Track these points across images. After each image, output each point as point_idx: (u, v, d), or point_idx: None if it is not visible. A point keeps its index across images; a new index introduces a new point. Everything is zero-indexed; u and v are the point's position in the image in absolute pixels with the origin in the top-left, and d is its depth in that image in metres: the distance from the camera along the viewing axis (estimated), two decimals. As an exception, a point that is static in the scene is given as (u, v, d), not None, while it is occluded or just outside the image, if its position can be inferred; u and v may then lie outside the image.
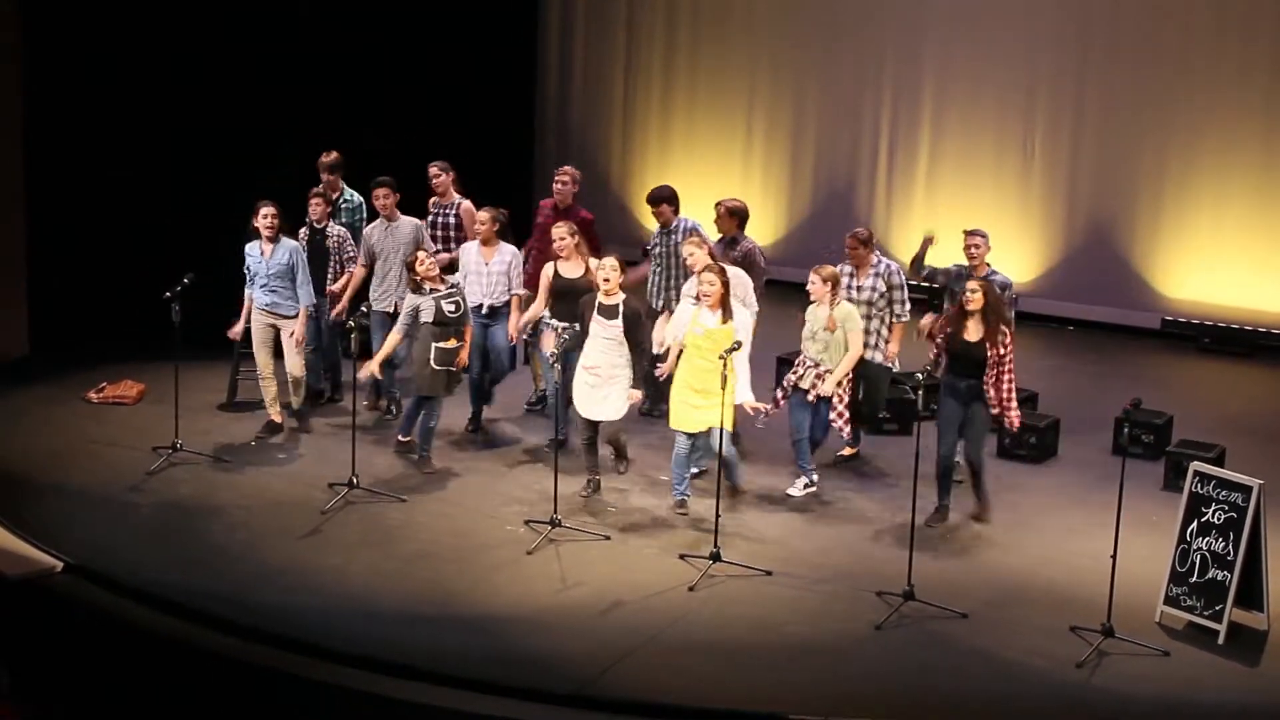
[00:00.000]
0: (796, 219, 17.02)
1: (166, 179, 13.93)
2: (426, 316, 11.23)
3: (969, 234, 11.72)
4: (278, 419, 12.14)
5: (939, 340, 10.75)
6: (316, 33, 14.73)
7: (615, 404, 10.91)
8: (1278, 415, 13.48)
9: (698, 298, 10.79)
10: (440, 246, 12.75)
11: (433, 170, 12.96)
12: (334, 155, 12.95)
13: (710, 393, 10.40)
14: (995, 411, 10.62)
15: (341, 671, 8.89)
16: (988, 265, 11.65)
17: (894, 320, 11.70)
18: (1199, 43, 15.15)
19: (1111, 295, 15.69)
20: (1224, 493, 9.40)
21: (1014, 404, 10.63)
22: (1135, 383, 13.86)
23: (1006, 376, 10.57)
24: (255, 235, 11.90)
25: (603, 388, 10.89)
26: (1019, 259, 15.80)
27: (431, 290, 11.28)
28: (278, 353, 12.01)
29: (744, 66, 17.06)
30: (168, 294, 11.33)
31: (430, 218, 12.91)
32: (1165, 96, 15.33)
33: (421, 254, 11.39)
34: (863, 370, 11.37)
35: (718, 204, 12.27)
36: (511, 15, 17.42)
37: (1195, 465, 9.74)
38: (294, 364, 11.98)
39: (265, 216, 11.77)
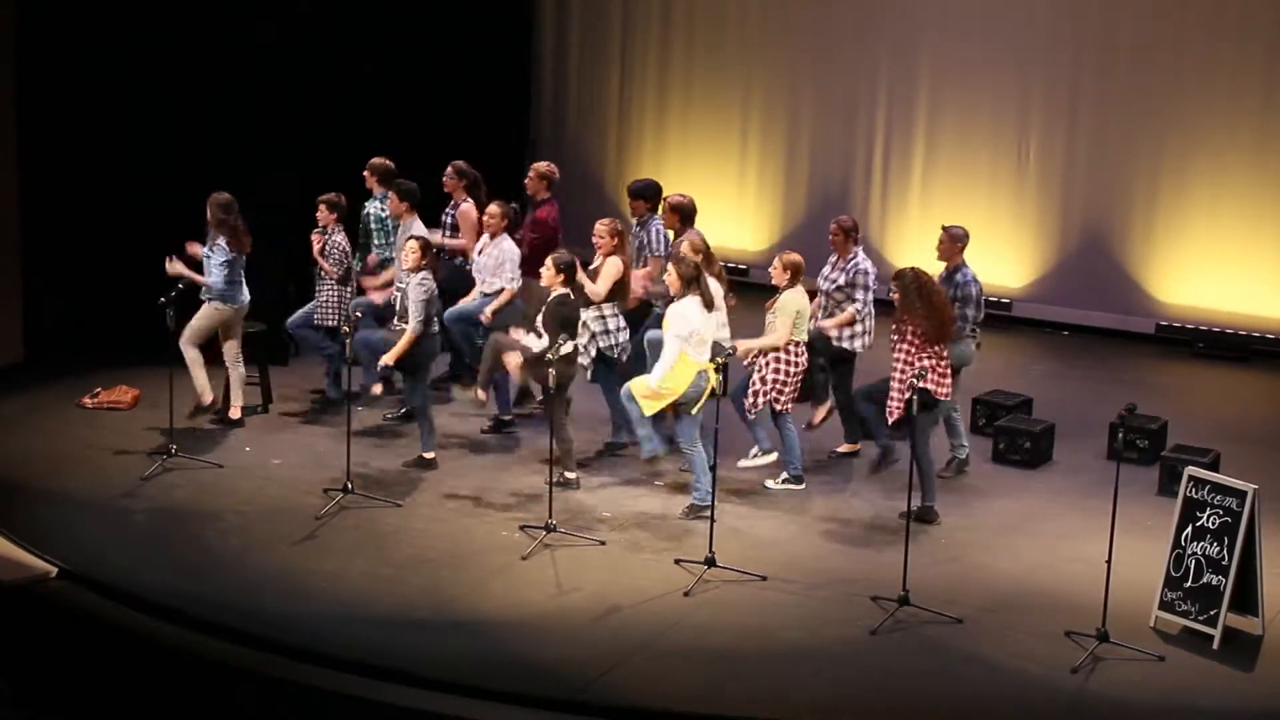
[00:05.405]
0: (791, 222, 17.00)
1: (162, 183, 13.89)
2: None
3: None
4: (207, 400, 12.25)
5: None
6: (313, 35, 14.72)
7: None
8: (1272, 420, 13.48)
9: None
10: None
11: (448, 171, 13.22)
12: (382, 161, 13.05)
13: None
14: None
15: (337, 677, 8.89)
16: (959, 262, 11.66)
17: (847, 307, 11.66)
18: (1193, 48, 15.13)
19: (1106, 300, 15.67)
20: (1219, 497, 9.40)
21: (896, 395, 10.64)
22: (1130, 388, 13.86)
23: (898, 370, 10.61)
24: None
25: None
26: (1013, 263, 15.80)
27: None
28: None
29: (739, 69, 17.04)
30: (162, 299, 11.34)
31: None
32: (1159, 101, 15.33)
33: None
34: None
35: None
36: (507, 15, 17.43)
37: (1190, 470, 9.75)
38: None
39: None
